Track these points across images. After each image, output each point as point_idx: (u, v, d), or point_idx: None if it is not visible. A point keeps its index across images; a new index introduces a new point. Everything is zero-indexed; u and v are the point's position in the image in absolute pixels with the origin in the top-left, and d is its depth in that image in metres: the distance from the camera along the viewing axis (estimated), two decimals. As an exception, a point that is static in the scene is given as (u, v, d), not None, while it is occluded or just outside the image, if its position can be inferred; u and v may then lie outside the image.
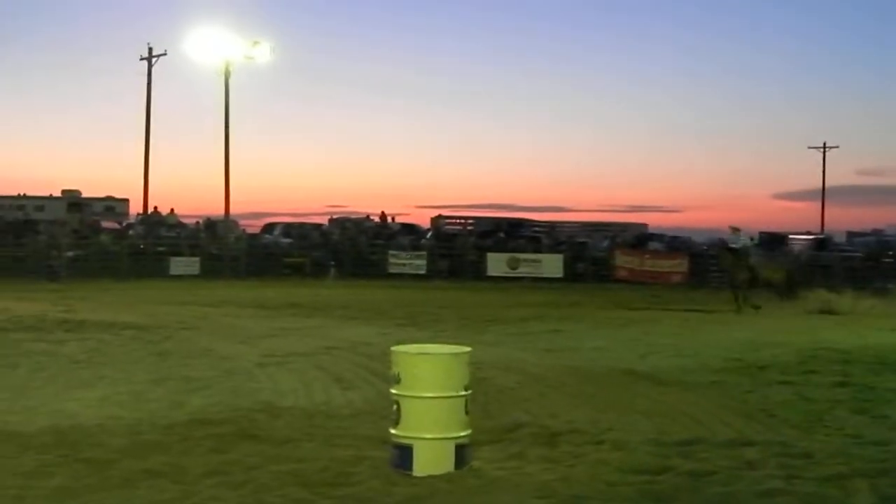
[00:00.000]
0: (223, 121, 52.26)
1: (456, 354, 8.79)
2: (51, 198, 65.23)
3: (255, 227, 58.45)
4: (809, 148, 76.68)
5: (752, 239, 32.59)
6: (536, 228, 58.77)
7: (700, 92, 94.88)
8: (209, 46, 51.55)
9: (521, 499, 7.90)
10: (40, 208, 62.03)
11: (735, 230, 30.62)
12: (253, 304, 28.15)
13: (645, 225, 67.66)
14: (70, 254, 43.51)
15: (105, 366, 15.11)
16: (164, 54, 56.38)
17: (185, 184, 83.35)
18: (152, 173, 57.34)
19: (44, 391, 12.72)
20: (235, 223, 55.51)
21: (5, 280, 37.38)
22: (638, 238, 56.54)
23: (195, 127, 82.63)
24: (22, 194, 65.34)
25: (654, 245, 52.39)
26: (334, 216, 61.18)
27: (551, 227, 61.25)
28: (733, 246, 29.85)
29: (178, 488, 8.05)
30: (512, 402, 12.11)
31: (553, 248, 50.75)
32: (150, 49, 56.48)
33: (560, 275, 45.79)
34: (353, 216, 60.47)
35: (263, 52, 52.46)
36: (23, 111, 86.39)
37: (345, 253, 48.80)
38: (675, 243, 53.78)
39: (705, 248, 47.98)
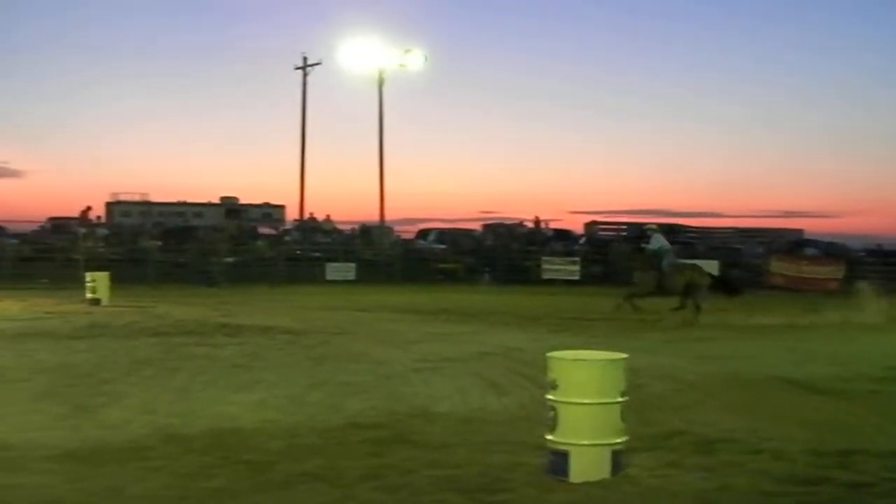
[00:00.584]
0: (377, 128, 52.97)
1: (613, 361, 8.71)
2: (209, 204, 66.59)
3: (409, 232, 58.93)
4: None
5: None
6: (690, 234, 57.95)
7: (865, 95, 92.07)
8: (362, 55, 52.26)
9: (678, 508, 7.79)
10: (199, 215, 63.39)
11: (652, 230, 28.65)
12: (407, 309, 28.35)
13: (800, 230, 66.13)
14: (228, 259, 44.44)
15: (263, 370, 15.37)
16: (319, 63, 57.21)
17: (340, 190, 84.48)
18: (308, 180, 58.27)
19: (204, 394, 13.00)
20: (390, 229, 56.11)
21: (166, 285, 38.48)
22: (793, 244, 55.30)
23: (349, 134, 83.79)
24: (182, 201, 66.87)
25: (809, 251, 51.16)
26: (487, 222, 61.33)
27: (705, 232, 60.35)
28: (646, 247, 28.00)
29: (336, 491, 8.13)
30: (667, 410, 11.93)
31: (707, 254, 49.93)
32: (305, 59, 57.37)
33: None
34: (506, 221, 60.45)
35: (416, 60, 52.99)
36: (181, 120, 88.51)
37: (498, 258, 48.83)
38: (831, 249, 52.34)
39: (862, 254, 46.53)
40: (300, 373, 15.03)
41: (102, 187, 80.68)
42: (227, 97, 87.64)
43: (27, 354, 16.76)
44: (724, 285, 28.43)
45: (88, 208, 50.12)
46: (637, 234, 54.90)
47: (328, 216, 56.23)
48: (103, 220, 56.05)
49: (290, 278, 43.07)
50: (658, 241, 27.81)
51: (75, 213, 50.97)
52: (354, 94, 63.61)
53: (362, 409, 11.96)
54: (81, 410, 11.66)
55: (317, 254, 48.75)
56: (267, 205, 68.51)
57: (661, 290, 27.01)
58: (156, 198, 64.14)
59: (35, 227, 52.45)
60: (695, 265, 29.12)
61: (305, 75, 57.50)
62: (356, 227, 56.78)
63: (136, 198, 64.45)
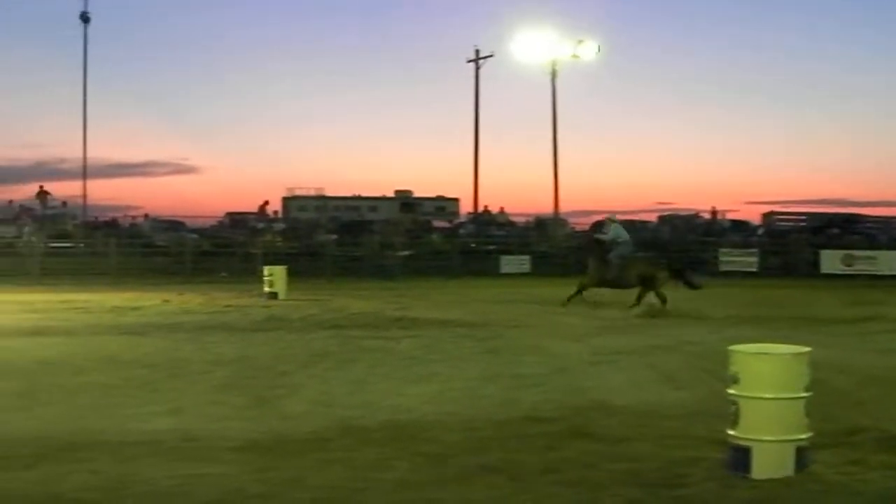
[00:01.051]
0: (550, 119, 52.83)
1: (797, 354, 8.49)
2: (384, 198, 67.21)
3: (583, 224, 58.49)
4: None
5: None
6: (870, 224, 56.18)
7: None
8: (535, 47, 52.17)
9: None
10: (374, 209, 64.02)
11: (611, 220, 27.75)
12: (580, 301, 28.20)
13: None
14: (404, 253, 44.90)
15: (438, 362, 15.50)
16: (491, 56, 57.26)
17: (513, 182, 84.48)
18: (482, 172, 58.41)
19: (381, 386, 13.16)
20: (564, 221, 55.82)
21: (342, 279, 39.15)
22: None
23: (522, 126, 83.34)
24: (357, 195, 67.64)
25: None
26: (663, 213, 60.54)
27: (887, 222, 58.43)
28: (601, 237, 27.07)
29: (514, 485, 8.13)
30: (850, 405, 11.54)
31: (889, 245, 48.37)
32: (478, 52, 57.47)
33: (897, 272, 43.52)
34: (682, 212, 59.57)
35: (589, 51, 52.61)
36: (355, 116, 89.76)
37: (674, 251, 48.19)
38: None
39: None
40: (475, 365, 15.10)
41: (279, 182, 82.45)
42: (400, 92, 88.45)
43: (208, 347, 17.24)
44: (682, 277, 27.27)
45: (266, 203, 51.36)
46: (824, 223, 53.71)
47: (502, 209, 56.38)
48: (280, 214, 57.25)
49: (465, 271, 43.28)
50: (615, 232, 27.17)
51: (252, 209, 52.24)
52: (527, 86, 63.63)
53: (538, 401, 11.95)
54: (261, 402, 11.94)
55: (491, 247, 48.85)
56: (441, 198, 68.75)
57: (613, 283, 26.44)
58: (331, 192, 65.03)
59: (213, 222, 53.83)
60: (650, 257, 27.95)
61: (478, 68, 57.62)
62: (530, 219, 56.78)
63: (312, 192, 65.38)
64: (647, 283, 25.91)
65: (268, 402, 11.98)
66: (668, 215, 59.11)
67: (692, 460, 8.81)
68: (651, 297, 25.77)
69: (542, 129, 53.91)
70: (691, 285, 26.80)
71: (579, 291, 26.56)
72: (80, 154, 53.63)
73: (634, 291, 26.07)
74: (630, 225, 54.46)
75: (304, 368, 14.76)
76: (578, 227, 56.44)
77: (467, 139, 58.35)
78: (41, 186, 49.50)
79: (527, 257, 46.17)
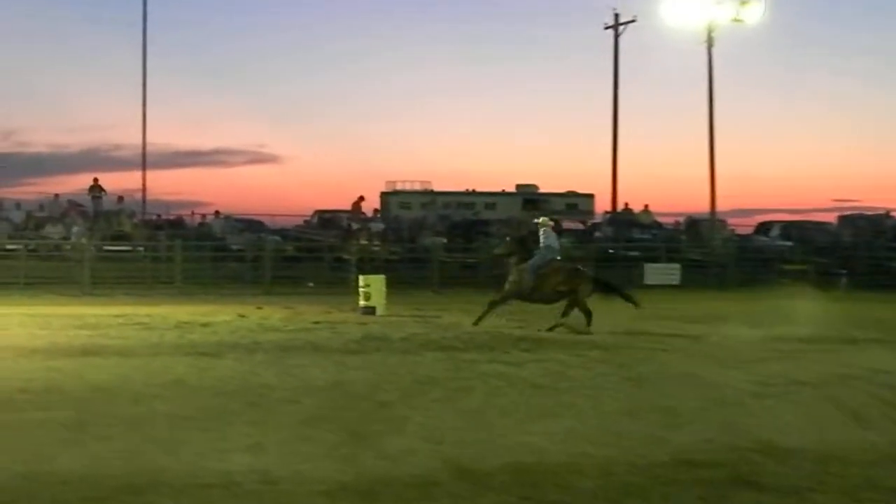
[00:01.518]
0: (706, 98, 52.23)
1: None
2: (504, 194, 67.30)
3: (745, 226, 57.95)
4: None
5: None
6: None
7: None
8: (686, 9, 51.44)
9: None
10: (491, 206, 64.09)
11: (544, 224, 27.20)
12: (743, 318, 27.87)
13: None
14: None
15: (569, 392, 15.44)
16: (633, 21, 56.86)
17: (660, 175, 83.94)
18: (622, 163, 58.15)
19: (501, 421, 13.14)
20: (723, 222, 55.18)
21: (454, 290, 39.25)
22: None
23: (671, 106, 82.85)
24: (470, 190, 67.69)
25: None
26: (844, 213, 59.60)
27: None
28: (542, 239, 26.49)
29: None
30: None
31: None
32: (617, 16, 57.25)
33: None
34: (867, 212, 58.59)
35: (754, 13, 51.56)
36: (467, 96, 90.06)
37: (858, 257, 47.48)
38: None
39: None
40: (615, 396, 15.03)
41: (377, 175, 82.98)
42: (521, 67, 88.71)
43: (293, 372, 17.34)
44: (612, 290, 27.11)
45: (361, 199, 51.61)
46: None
47: (646, 206, 55.98)
48: (378, 213, 57.56)
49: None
50: (549, 238, 26.95)
51: (345, 206, 52.49)
52: (677, 57, 62.78)
53: (693, 441, 11.83)
54: (357, 438, 11.96)
55: (633, 252, 48.65)
56: (572, 194, 68.65)
57: (527, 296, 26.48)
58: (440, 186, 65.27)
59: (298, 221, 54.27)
60: (574, 268, 27.36)
61: (617, 36, 57.42)
62: (681, 219, 56.33)
63: (417, 186, 65.79)
64: (567, 298, 25.91)
65: (365, 437, 12.01)
66: (851, 215, 58.14)
67: (885, 517, 8.66)
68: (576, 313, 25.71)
69: (695, 109, 53.45)
70: (627, 299, 26.75)
71: (493, 308, 26.59)
72: (138, 140, 54.42)
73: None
74: (800, 226, 53.92)
75: (407, 398, 14.78)
76: (739, 230, 56.02)
77: (603, 123, 58.24)
78: (95, 179, 50.23)
79: (676, 266, 45.79)
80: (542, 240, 27.03)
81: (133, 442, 11.68)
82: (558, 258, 27.51)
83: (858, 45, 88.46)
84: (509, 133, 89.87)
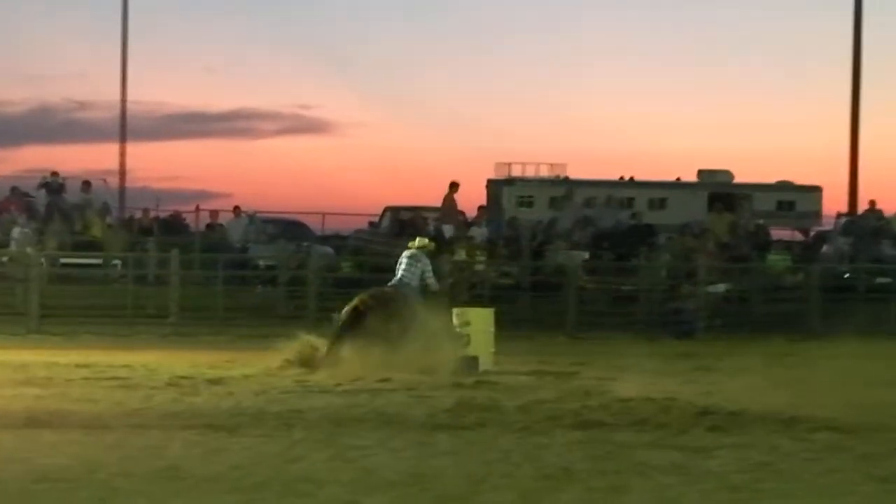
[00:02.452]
0: None
1: None
2: (677, 184, 67.39)
3: None
4: None
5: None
6: None
7: None
8: None
9: None
10: (660, 203, 64.18)
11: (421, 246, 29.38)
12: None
13: None
14: (719, 288, 44.72)
15: (783, 498, 15.36)
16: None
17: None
18: (865, 142, 57.90)
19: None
20: None
21: (601, 333, 39.30)
22: None
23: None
24: (626, 178, 67.58)
25: None
26: None
27: None
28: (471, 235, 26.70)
29: None
30: None
31: None
32: None
33: None
34: None
35: None
36: (626, 42, 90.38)
37: None
38: None
39: None
40: (857, 504, 14.82)
41: (480, 154, 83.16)
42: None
43: (350, 457, 17.37)
44: None
45: (455, 186, 51.32)
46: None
47: (904, 206, 55.44)
48: (484, 211, 57.21)
49: (829, 324, 42.70)
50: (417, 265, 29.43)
51: (432, 200, 52.41)
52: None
53: None
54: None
55: (884, 279, 48.21)
56: (787, 186, 68.32)
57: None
58: (578, 173, 65.23)
59: (361, 223, 54.36)
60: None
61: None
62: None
63: (545, 172, 65.74)
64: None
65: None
66: None
67: None
68: None
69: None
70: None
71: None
72: (115, 96, 54.66)
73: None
74: None
75: (528, 502, 14.73)
76: None
77: (836, 88, 57.82)
78: (54, 173, 50.12)
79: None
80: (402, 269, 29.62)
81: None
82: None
83: None
84: (678, 99, 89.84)
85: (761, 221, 59.93)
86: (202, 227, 52.00)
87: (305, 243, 48.90)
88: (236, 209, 51.47)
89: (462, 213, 50.66)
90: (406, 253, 29.74)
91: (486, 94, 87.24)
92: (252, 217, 50.88)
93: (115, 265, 45.61)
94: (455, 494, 14.99)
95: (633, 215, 58.16)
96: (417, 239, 30.50)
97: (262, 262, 47.63)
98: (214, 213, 52.94)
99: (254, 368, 27.75)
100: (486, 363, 29.34)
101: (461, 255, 46.62)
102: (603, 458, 17.59)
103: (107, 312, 39.57)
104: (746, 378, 28.35)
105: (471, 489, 15.30)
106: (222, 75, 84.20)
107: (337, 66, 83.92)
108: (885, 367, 32.08)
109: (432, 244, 30.98)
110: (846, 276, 48.99)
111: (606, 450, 18.30)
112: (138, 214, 52.93)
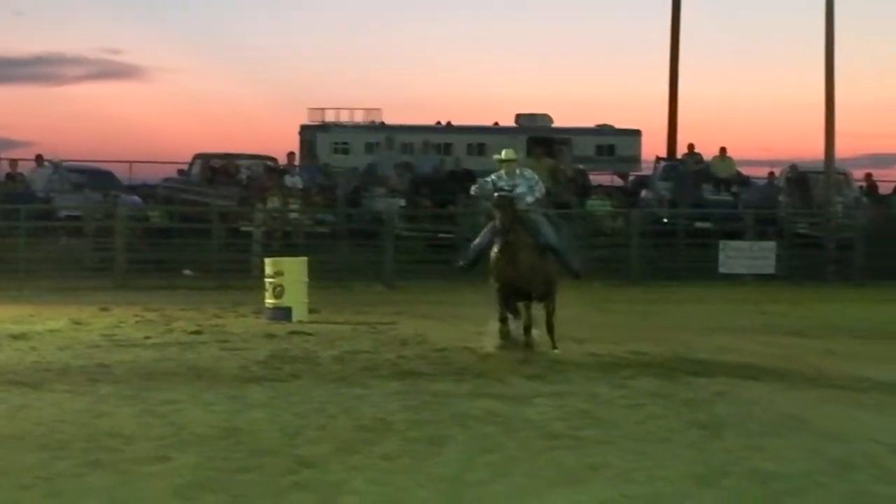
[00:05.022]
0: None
1: None
2: (497, 129, 67.46)
3: (886, 182, 57.81)
4: None
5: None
6: None
7: None
8: None
9: None
10: (479, 147, 64.07)
11: (506, 161, 25.78)
12: (882, 329, 28.00)
13: None
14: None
15: (603, 446, 15.44)
16: None
17: (745, 106, 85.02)
18: (684, 88, 58.45)
19: (494, 489, 13.16)
20: (846, 176, 54.87)
21: (418, 282, 39.47)
22: None
23: (764, 6, 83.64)
24: (443, 123, 67.61)
25: None
26: None
27: None
28: (506, 194, 24.89)
29: None
30: None
31: None
32: None
33: None
34: None
35: None
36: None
37: None
38: None
39: None
40: (678, 452, 15.06)
41: (291, 100, 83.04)
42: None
43: (160, 412, 17.31)
44: None
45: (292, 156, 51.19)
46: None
47: (724, 150, 55.89)
48: (296, 159, 57.03)
49: (650, 270, 43.22)
50: (527, 182, 26.00)
51: (243, 147, 52.43)
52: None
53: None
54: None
55: (703, 224, 48.66)
56: (607, 129, 68.79)
57: None
58: (395, 118, 65.27)
59: (171, 171, 54.05)
60: None
61: None
62: (779, 171, 56.16)
63: (360, 118, 65.80)
64: None
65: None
66: None
67: None
68: None
69: (800, 10, 53.53)
70: None
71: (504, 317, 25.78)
72: None
73: None
74: None
75: (344, 454, 14.76)
76: (873, 187, 55.94)
77: (655, 32, 58.42)
78: None
79: (770, 245, 45.83)
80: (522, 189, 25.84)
81: None
82: None
83: None
84: (505, 44, 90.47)
85: (581, 166, 60.42)
86: (2, 176, 51.41)
87: (112, 193, 48.46)
88: (39, 158, 51.01)
89: (273, 159, 50.55)
90: (499, 172, 25.88)
91: (299, 40, 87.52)
92: (56, 166, 50.39)
93: None
94: (270, 448, 14.96)
95: (453, 161, 58.45)
96: (504, 151, 26.53)
97: (66, 213, 47.16)
98: (14, 163, 52.39)
99: (58, 322, 27.60)
100: (300, 314, 29.32)
101: (274, 202, 46.57)
102: (421, 409, 17.68)
103: None
104: (578, 324, 28.54)
105: (286, 442, 15.30)
106: (26, 17, 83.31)
107: (147, 10, 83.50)
108: (707, 312, 32.56)
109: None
110: (666, 221, 49.37)
111: (424, 400, 18.38)
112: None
